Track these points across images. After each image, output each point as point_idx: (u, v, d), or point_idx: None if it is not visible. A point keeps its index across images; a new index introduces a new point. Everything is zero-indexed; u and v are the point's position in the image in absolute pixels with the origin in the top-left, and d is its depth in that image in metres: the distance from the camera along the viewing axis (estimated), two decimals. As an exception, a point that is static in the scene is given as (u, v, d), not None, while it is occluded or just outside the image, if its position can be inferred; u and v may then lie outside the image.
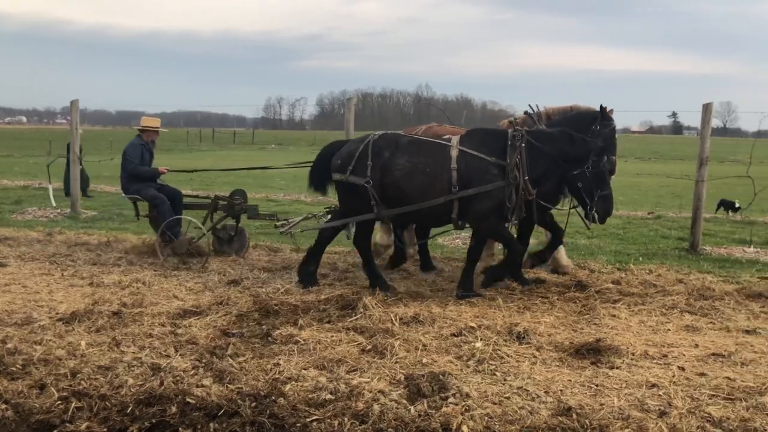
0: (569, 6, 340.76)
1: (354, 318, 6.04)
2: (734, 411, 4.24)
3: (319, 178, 7.80)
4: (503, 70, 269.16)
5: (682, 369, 5.03)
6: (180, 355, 5.17)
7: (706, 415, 4.17)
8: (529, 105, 8.02)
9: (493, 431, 3.96)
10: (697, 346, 5.61)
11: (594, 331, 6.02)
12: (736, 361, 5.21)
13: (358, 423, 4.06)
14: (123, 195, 9.58)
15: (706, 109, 10.21)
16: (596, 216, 7.09)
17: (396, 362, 5.05)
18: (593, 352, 5.30)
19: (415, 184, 7.05)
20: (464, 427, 3.95)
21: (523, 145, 6.87)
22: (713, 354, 5.37)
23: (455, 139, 7.13)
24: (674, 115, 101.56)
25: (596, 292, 7.36)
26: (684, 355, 5.36)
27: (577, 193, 7.23)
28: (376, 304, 6.32)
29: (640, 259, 9.47)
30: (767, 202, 16.99)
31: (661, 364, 5.16)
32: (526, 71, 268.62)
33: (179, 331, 5.74)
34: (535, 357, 5.29)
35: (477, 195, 6.91)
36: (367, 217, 7.34)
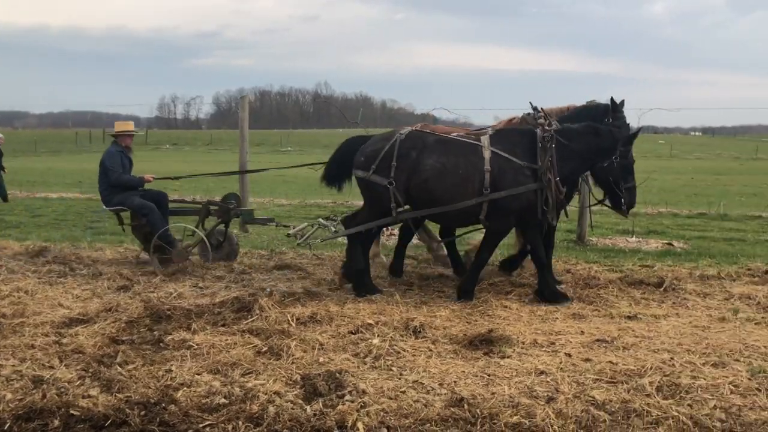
0: (465, 7, 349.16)
1: (250, 320, 5.96)
2: (616, 393, 4.45)
3: (336, 174, 7.58)
4: (402, 69, 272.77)
5: (569, 355, 5.25)
6: (65, 365, 4.94)
7: (591, 398, 4.36)
8: (531, 103, 7.98)
9: (388, 426, 4.00)
10: (582, 332, 5.86)
11: (487, 322, 6.19)
12: (618, 346, 5.47)
13: (252, 426, 4.00)
14: (104, 207, 8.96)
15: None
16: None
17: (292, 363, 5.02)
18: (486, 343, 5.44)
19: (446, 185, 6.89)
20: (359, 424, 3.97)
21: (553, 146, 6.85)
22: (598, 340, 5.62)
23: (486, 140, 7.03)
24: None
25: (489, 284, 7.57)
26: (571, 342, 5.58)
27: (606, 185, 7.25)
28: (272, 305, 6.26)
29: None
30: (648, 194, 18.06)
31: (549, 351, 5.36)
32: (424, 70, 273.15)
33: (64, 340, 5.48)
34: (430, 350, 5.38)
35: (506, 197, 6.81)
36: (387, 222, 7.20)
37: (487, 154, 6.89)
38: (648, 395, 4.40)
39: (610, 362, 5.05)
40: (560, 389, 4.50)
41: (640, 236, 11.36)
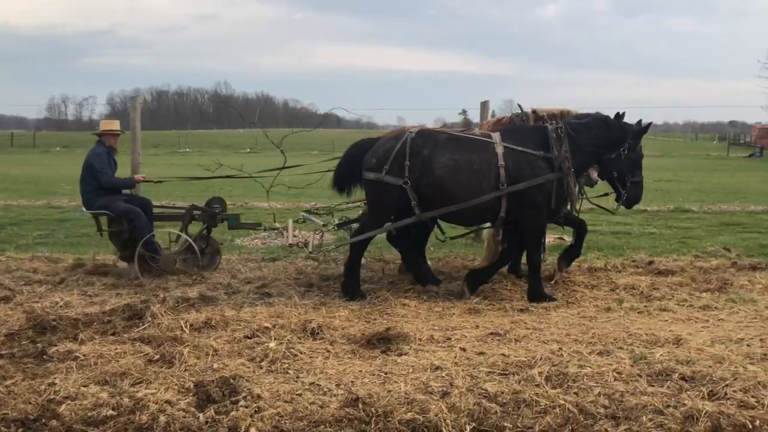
0: (364, 8, 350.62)
1: (141, 328, 5.75)
2: (507, 385, 4.57)
3: (345, 179, 7.34)
4: (304, 69, 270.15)
5: (464, 350, 5.36)
6: (-67, 385, 4.60)
7: (483, 391, 4.46)
8: (519, 105, 7.93)
9: (282, 430, 3.96)
10: (477, 326, 6.00)
11: (386, 320, 6.24)
12: (510, 339, 5.64)
13: (141, 437, 3.87)
14: (83, 210, 8.36)
15: (484, 106, 10.93)
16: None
17: (185, 370, 4.88)
18: (384, 341, 5.48)
19: (460, 182, 6.84)
20: (252, 429, 3.91)
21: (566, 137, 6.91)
22: (491, 333, 5.76)
23: (497, 136, 7.00)
24: (464, 112, 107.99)
25: (389, 283, 7.63)
26: (466, 336, 5.70)
27: (611, 177, 7.28)
28: (165, 311, 6.07)
29: (432, 248, 9.93)
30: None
31: (445, 346, 5.45)
32: (326, 70, 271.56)
33: (-67, 358, 5.11)
34: (328, 351, 5.36)
35: (528, 190, 6.83)
36: (408, 221, 7.05)
37: (499, 150, 6.93)
38: (537, 385, 4.54)
39: (503, 355, 5.19)
40: (454, 383, 4.58)
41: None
